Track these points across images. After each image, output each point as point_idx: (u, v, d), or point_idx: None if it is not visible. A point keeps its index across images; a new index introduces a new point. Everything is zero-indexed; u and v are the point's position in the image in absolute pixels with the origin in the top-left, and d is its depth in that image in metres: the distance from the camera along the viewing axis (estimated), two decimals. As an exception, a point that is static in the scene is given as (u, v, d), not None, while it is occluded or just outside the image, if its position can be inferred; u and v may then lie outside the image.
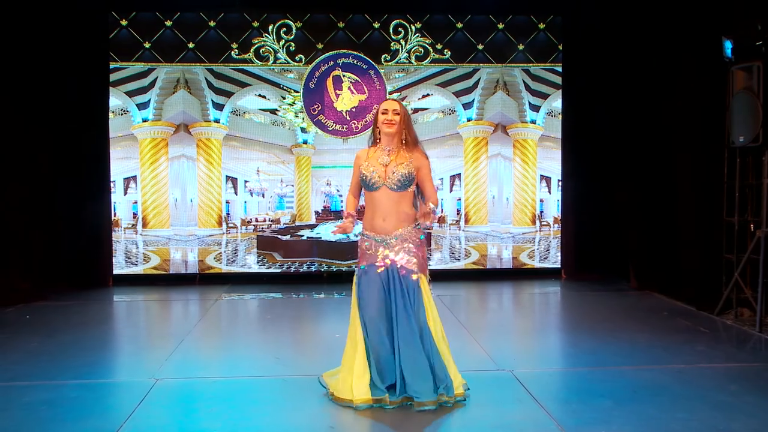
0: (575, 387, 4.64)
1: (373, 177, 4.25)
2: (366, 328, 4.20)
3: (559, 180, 8.94)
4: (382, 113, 4.28)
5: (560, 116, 8.86)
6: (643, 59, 7.80)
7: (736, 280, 6.44)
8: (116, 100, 8.50)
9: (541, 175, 8.97)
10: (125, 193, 8.62)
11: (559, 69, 8.84)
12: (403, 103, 8.59)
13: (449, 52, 8.77)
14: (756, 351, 5.57)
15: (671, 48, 7.29)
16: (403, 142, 4.31)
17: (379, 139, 4.34)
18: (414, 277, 4.21)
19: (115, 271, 8.60)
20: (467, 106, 8.83)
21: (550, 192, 9.00)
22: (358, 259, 4.39)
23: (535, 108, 8.87)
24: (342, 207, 8.82)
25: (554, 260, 9.01)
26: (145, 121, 8.55)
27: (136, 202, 8.63)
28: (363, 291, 4.24)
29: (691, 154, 7.11)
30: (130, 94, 8.52)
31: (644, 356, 5.29)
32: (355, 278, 4.36)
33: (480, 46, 8.78)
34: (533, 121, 8.88)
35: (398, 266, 4.21)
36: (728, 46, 6.44)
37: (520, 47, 8.81)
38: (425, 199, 4.32)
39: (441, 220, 8.92)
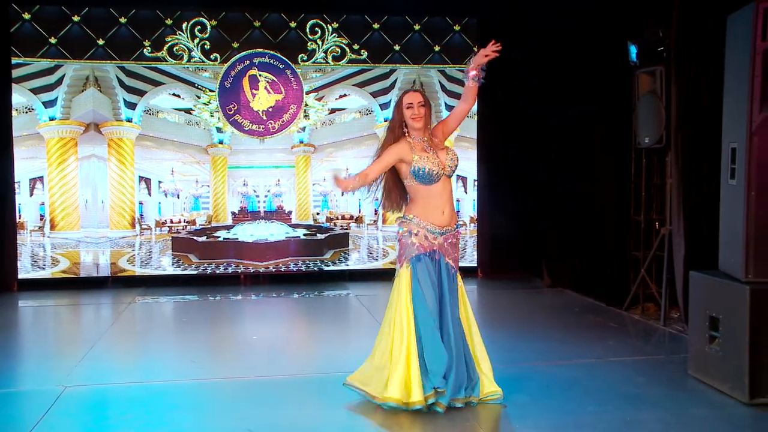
0: (491, 383, 4.72)
1: (434, 169, 4.14)
2: (424, 321, 4.06)
3: (474, 180, 9.08)
4: (407, 107, 4.23)
5: (476, 117, 9.00)
6: (557, 61, 7.99)
7: (642, 276, 6.70)
8: (20, 97, 8.14)
9: (457, 176, 9.09)
10: (31, 195, 8.28)
11: (474, 71, 8.96)
12: (320, 103, 8.74)
13: (366, 53, 8.80)
14: (661, 344, 5.81)
15: (585, 50, 7.50)
16: (429, 130, 4.28)
17: (406, 132, 4.25)
18: (457, 273, 4.24)
19: (21, 276, 8.24)
20: (384, 106, 8.86)
21: (466, 192, 9.13)
22: (403, 249, 4.24)
23: (451, 108, 8.96)
24: (259, 207, 8.73)
25: (470, 259, 9.14)
26: (52, 119, 8.23)
27: (43, 204, 8.31)
28: (421, 281, 4.11)
29: (603, 154, 7.35)
30: (36, 91, 8.18)
31: (557, 352, 5.44)
32: (405, 269, 4.18)
33: (397, 47, 8.84)
34: (449, 122, 8.97)
35: (449, 260, 4.20)
36: (633, 50, 6.70)
37: (436, 48, 8.91)
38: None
39: (359, 220, 8.93)
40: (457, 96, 8.94)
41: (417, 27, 8.86)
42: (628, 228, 7.06)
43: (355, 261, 8.93)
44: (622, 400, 4.30)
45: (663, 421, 3.97)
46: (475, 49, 8.84)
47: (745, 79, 4.25)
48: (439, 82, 8.94)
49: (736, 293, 4.27)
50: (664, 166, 6.63)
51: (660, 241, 6.49)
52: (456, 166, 4.25)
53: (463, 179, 9.10)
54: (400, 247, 4.27)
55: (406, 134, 4.24)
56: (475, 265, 9.13)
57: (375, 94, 8.85)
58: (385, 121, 8.80)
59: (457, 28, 8.94)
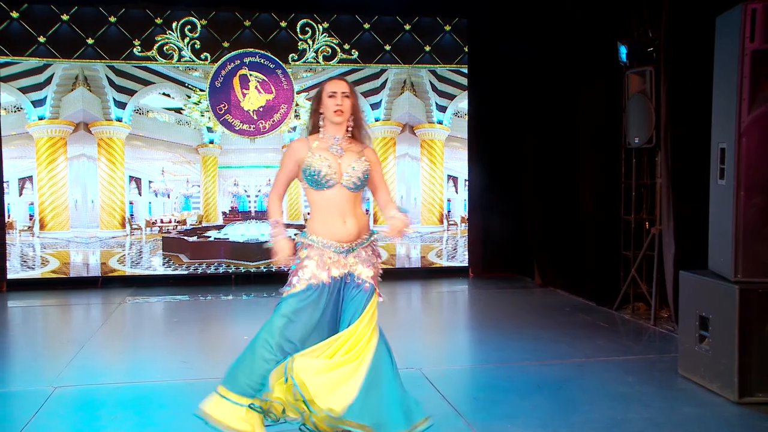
0: (482, 384, 4.73)
1: (326, 171, 3.39)
2: (282, 348, 3.34)
3: (465, 180, 9.09)
4: (329, 96, 3.51)
5: (466, 117, 9.02)
6: (547, 62, 8.00)
7: (632, 276, 6.72)
8: (9, 96, 8.10)
9: (448, 175, 9.10)
10: (20, 194, 8.24)
11: (465, 70, 8.99)
12: (311, 103, 8.70)
13: (357, 53, 8.79)
14: (650, 343, 5.83)
15: (574, 51, 7.50)
16: (349, 131, 3.54)
17: (322, 126, 3.54)
18: (369, 287, 3.46)
19: (10, 276, 8.20)
20: (375, 106, 8.87)
21: (457, 192, 9.14)
22: (292, 274, 3.42)
23: (442, 108, 9.00)
24: (250, 207, 8.71)
25: (462, 259, 9.16)
26: (41, 119, 8.19)
27: (32, 204, 8.27)
28: (302, 309, 3.33)
29: (593, 154, 7.36)
30: (25, 90, 8.14)
31: (548, 351, 5.45)
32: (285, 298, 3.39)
33: (387, 47, 8.84)
34: (440, 122, 9.01)
35: (356, 276, 3.42)
36: (623, 51, 6.72)
37: (427, 48, 8.91)
38: (382, 206, 3.56)
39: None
40: (448, 96, 8.97)
41: (407, 27, 8.86)
42: (618, 228, 7.08)
43: (346, 261, 8.90)
44: (613, 399, 4.31)
45: (653, 420, 3.98)
46: (466, 49, 8.89)
47: (733, 80, 4.27)
48: (430, 82, 8.94)
49: (726, 293, 4.29)
50: (654, 166, 6.65)
51: (650, 241, 6.52)
52: (360, 179, 3.45)
53: (454, 179, 9.11)
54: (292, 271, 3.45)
55: (321, 128, 3.55)
56: (466, 264, 9.14)
57: (365, 94, 8.83)
58: (376, 121, 8.81)
59: (447, 28, 8.95)
